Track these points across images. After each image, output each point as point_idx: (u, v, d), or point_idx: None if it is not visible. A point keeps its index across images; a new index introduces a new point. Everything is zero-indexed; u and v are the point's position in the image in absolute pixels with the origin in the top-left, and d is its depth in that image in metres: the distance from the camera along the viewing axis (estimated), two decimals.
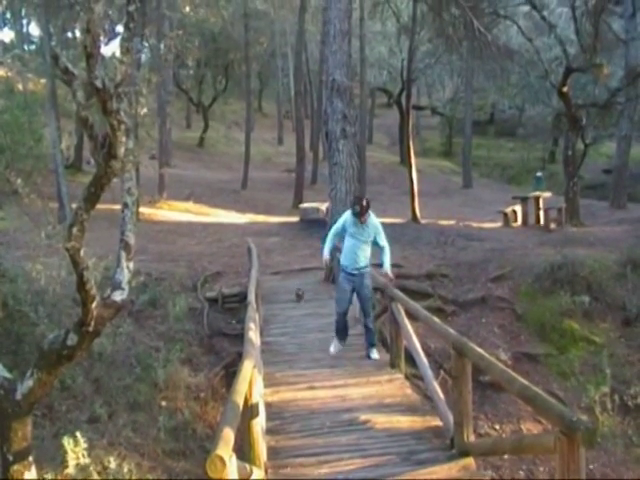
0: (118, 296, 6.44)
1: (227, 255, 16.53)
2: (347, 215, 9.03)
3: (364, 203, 8.77)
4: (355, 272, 9.13)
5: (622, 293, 13.75)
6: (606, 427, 10.68)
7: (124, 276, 6.53)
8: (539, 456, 9.68)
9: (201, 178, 30.76)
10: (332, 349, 9.41)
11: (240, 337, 9.87)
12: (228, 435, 4.06)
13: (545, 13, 23.35)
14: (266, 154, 38.40)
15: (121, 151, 5.83)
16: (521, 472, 9.53)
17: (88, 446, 7.18)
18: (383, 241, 9.19)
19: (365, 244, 9.06)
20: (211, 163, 36.06)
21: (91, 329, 6.14)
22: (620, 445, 10.67)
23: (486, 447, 6.14)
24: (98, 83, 5.48)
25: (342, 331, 9.48)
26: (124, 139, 5.87)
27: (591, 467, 9.61)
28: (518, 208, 22.47)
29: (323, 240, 14.80)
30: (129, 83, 6.58)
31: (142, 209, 20.38)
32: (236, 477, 4.12)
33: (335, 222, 9.47)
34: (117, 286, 6.49)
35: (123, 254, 6.62)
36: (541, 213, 21.53)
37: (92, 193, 5.90)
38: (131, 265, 6.67)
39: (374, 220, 9.06)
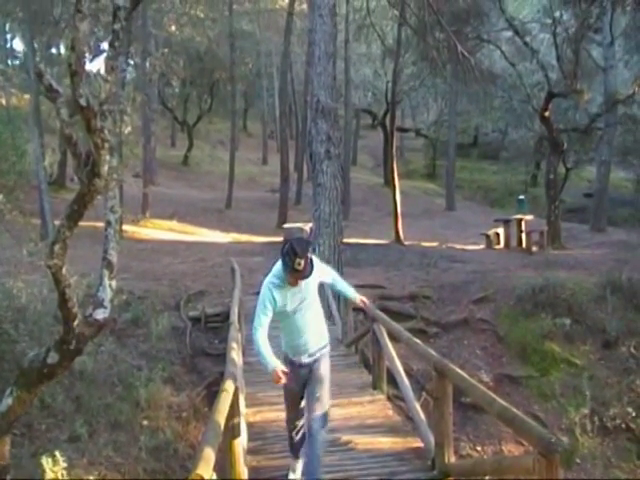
0: (100, 314, 6.43)
1: (210, 274, 16.50)
2: (268, 285, 5.53)
3: (306, 256, 5.27)
4: (308, 361, 5.78)
5: (602, 316, 13.88)
6: (586, 448, 10.75)
7: (106, 294, 6.52)
8: (520, 478, 9.69)
9: (185, 197, 30.74)
10: (292, 476, 6.04)
11: (222, 357, 9.85)
12: (209, 454, 4.04)
13: (527, 39, 23.71)
14: (250, 174, 38.45)
15: (104, 169, 5.85)
16: None
17: (68, 465, 7.13)
18: (332, 275, 6.21)
19: (311, 311, 5.68)
20: (195, 182, 36.05)
21: (72, 347, 6.13)
22: (599, 466, 10.74)
23: (466, 468, 6.14)
24: (82, 101, 5.50)
25: (299, 444, 6.02)
26: (108, 157, 5.89)
27: None
28: (501, 230, 22.62)
29: None
30: (114, 101, 6.61)
31: (125, 227, 20.31)
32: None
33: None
34: (99, 304, 6.48)
35: (106, 272, 6.61)
36: (523, 236, 21.67)
37: (75, 211, 5.91)
38: (114, 283, 6.67)
39: (316, 265, 5.56)
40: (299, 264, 5.17)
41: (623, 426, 11.74)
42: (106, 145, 5.81)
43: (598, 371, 12.82)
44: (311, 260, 5.37)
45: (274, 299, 5.46)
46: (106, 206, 6.96)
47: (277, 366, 5.44)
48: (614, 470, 10.90)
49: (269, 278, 5.52)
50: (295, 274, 5.26)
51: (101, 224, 6.58)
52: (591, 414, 11.34)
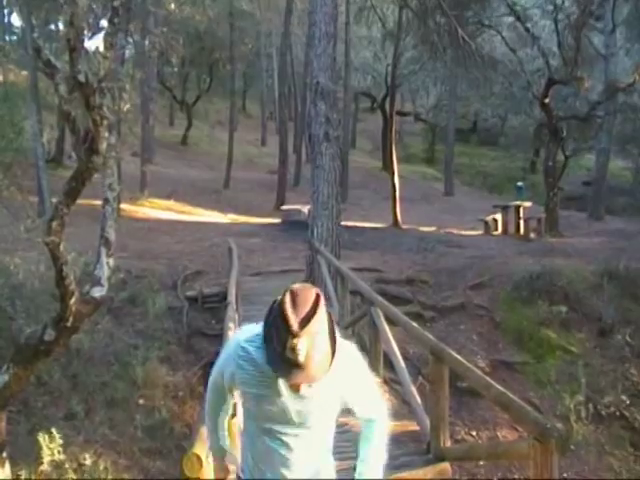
0: (97, 292, 6.42)
1: (208, 254, 16.50)
2: (232, 355, 2.82)
3: (312, 333, 2.48)
4: None
5: (598, 304, 13.92)
6: (580, 435, 10.79)
7: (104, 272, 6.51)
8: (514, 463, 9.76)
9: (183, 176, 30.65)
10: None
11: (219, 337, 9.86)
12: (206, 434, 4.04)
13: (529, 25, 23.55)
14: (249, 155, 38.32)
15: (103, 147, 5.81)
16: (496, 479, 9.59)
17: (64, 443, 7.14)
18: (373, 410, 3.10)
19: (310, 439, 2.88)
20: (194, 162, 35.93)
21: (69, 325, 6.12)
22: (593, 453, 10.79)
23: (462, 452, 6.18)
24: (81, 77, 5.45)
25: None
26: (106, 135, 5.85)
27: (565, 475, 9.68)
28: (499, 217, 22.64)
29: (304, 242, 14.83)
30: (112, 78, 6.56)
31: (123, 205, 20.26)
32: (212, 476, 4.10)
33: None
34: (97, 282, 6.47)
35: (103, 250, 6.60)
36: (521, 222, 21.68)
37: (73, 188, 5.87)
38: (111, 261, 6.65)
39: (344, 360, 2.72)
40: (295, 350, 2.47)
41: (617, 414, 11.79)
42: (105, 122, 5.76)
43: (593, 359, 12.87)
44: (332, 341, 2.59)
45: (234, 381, 2.84)
46: (104, 184, 6.94)
47: (229, 464, 3.31)
48: (608, 457, 10.96)
49: (239, 341, 2.84)
50: (288, 371, 2.51)
51: (98, 202, 6.56)
52: (586, 401, 11.38)
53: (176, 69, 39.16)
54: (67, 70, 5.69)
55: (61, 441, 7.08)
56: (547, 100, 22.11)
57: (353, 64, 36.59)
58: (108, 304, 11.29)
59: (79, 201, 5.92)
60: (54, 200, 6.11)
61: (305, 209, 20.05)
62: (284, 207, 23.73)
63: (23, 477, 6.72)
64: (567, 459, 10.06)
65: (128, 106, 6.98)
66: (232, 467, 3.24)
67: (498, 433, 10.57)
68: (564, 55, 22.32)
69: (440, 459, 5.75)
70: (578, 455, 10.63)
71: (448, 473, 5.63)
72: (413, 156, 45.03)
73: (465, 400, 10.77)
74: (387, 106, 30.66)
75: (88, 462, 7.33)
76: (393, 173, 23.11)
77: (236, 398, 5.71)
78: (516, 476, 9.75)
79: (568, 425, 10.68)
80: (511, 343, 13.01)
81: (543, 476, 4.03)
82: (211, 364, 9.44)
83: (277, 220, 22.92)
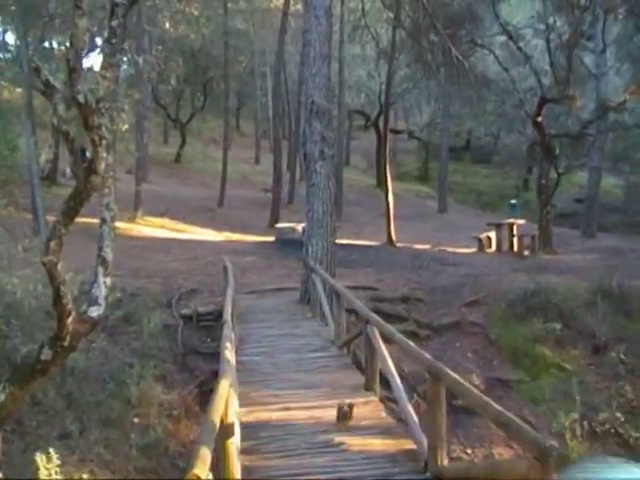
0: (94, 312, 6.40)
1: (202, 273, 16.48)
2: None
3: None
4: None
5: (592, 321, 13.98)
6: (575, 453, 10.78)
7: (101, 291, 6.49)
8: None
9: (177, 194, 30.67)
10: None
11: (214, 355, 9.85)
12: (205, 454, 4.05)
13: (521, 44, 23.81)
14: (243, 173, 38.39)
15: (102, 167, 5.83)
16: None
17: (60, 463, 7.10)
18: None
19: None
20: (187, 180, 35.97)
21: (66, 344, 6.10)
22: None
23: (460, 471, 6.16)
24: (80, 98, 5.48)
25: None
26: (105, 155, 5.87)
27: None
28: (492, 234, 22.71)
29: (299, 260, 14.83)
30: (111, 99, 6.59)
31: (118, 224, 20.17)
32: None
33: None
34: (94, 302, 6.45)
35: (100, 270, 6.59)
36: (515, 240, 21.77)
37: (71, 207, 5.88)
38: (108, 280, 6.65)
39: None
40: None
41: (612, 431, 11.82)
42: (103, 142, 5.79)
43: (588, 376, 12.90)
44: None
45: None
46: (102, 203, 6.94)
47: None
48: None
49: None
50: None
51: (93, 220, 6.55)
52: (581, 418, 11.40)
53: (170, 87, 39.28)
54: (65, 90, 5.72)
55: (58, 462, 7.04)
56: (540, 118, 22.30)
57: (347, 82, 36.83)
58: (103, 323, 11.28)
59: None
60: (49, 218, 6.13)
61: (299, 227, 20.09)
62: (278, 225, 23.76)
63: None
64: None
65: (127, 126, 7.02)
66: None
67: (494, 451, 10.58)
68: (556, 74, 22.56)
69: (438, 478, 5.75)
70: None
71: None
72: (407, 174, 45.16)
73: (460, 418, 10.78)
74: (381, 124, 30.84)
75: None
76: (387, 191, 23.18)
77: (234, 416, 5.72)
78: None
79: (563, 443, 10.69)
80: (506, 360, 13.03)
81: None
82: (206, 383, 9.43)
83: (271, 238, 22.92)
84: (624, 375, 13.13)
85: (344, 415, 7.29)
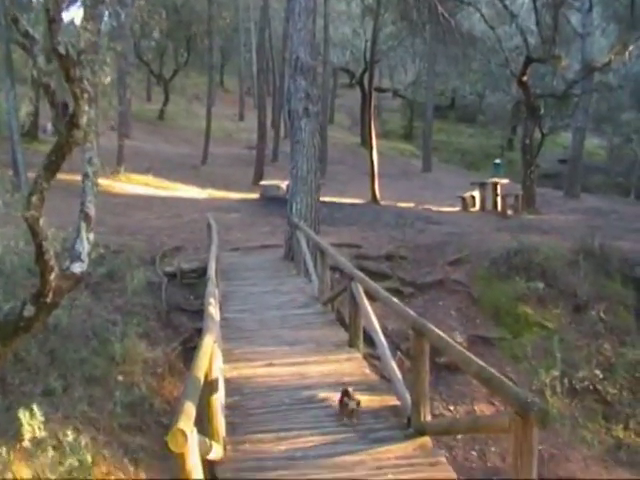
0: (77, 268, 6.36)
1: (186, 230, 16.41)
2: None
3: None
4: None
5: (574, 280, 14.09)
6: (555, 409, 10.96)
7: (84, 247, 6.45)
8: (491, 437, 9.91)
9: (161, 151, 30.38)
10: None
11: (198, 313, 9.87)
12: (190, 409, 4.05)
13: (507, 2, 23.55)
14: (227, 130, 38.04)
15: (83, 120, 5.73)
16: (473, 452, 9.73)
17: (43, 419, 7.10)
18: None
19: None
20: (171, 137, 35.62)
21: (49, 301, 6.06)
22: (567, 426, 10.99)
23: (443, 426, 6.25)
24: (61, 49, 5.36)
25: None
26: (87, 108, 5.77)
27: (540, 448, 9.83)
28: (476, 193, 22.73)
29: (283, 217, 14.80)
30: (93, 51, 6.45)
31: (100, 180, 19.98)
32: (197, 452, 4.12)
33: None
34: (76, 258, 6.40)
35: (83, 225, 6.54)
36: (499, 199, 21.80)
37: (52, 162, 5.80)
38: (91, 237, 6.59)
39: None
40: None
41: (591, 388, 12.01)
42: (85, 96, 5.68)
43: (568, 334, 13.05)
44: None
45: None
46: (84, 158, 6.85)
47: None
48: (581, 430, 11.17)
49: None
50: None
51: (75, 177, 6.46)
52: (561, 376, 11.56)
53: (153, 43, 38.62)
54: (45, 42, 5.59)
55: (42, 418, 7.04)
56: (525, 78, 22.17)
57: (332, 40, 36.39)
58: (86, 280, 11.20)
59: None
60: (30, 175, 6.03)
61: (284, 185, 20.00)
62: (263, 182, 23.62)
63: (4, 454, 6.68)
64: (542, 432, 10.23)
65: (109, 79, 6.88)
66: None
67: (476, 407, 10.71)
68: (542, 33, 22.39)
69: (421, 433, 5.81)
70: (552, 428, 10.80)
71: (429, 447, 5.69)
72: (391, 132, 44.97)
73: (443, 375, 10.89)
74: (366, 82, 30.58)
75: (69, 439, 7.28)
76: (372, 149, 23.08)
77: (218, 372, 5.73)
78: (492, 449, 9.91)
79: (544, 399, 10.86)
80: (488, 319, 13.14)
81: (523, 449, 4.10)
82: (190, 340, 9.44)
83: (255, 195, 22.82)
84: (603, 333, 13.29)
85: (350, 412, 6.26)
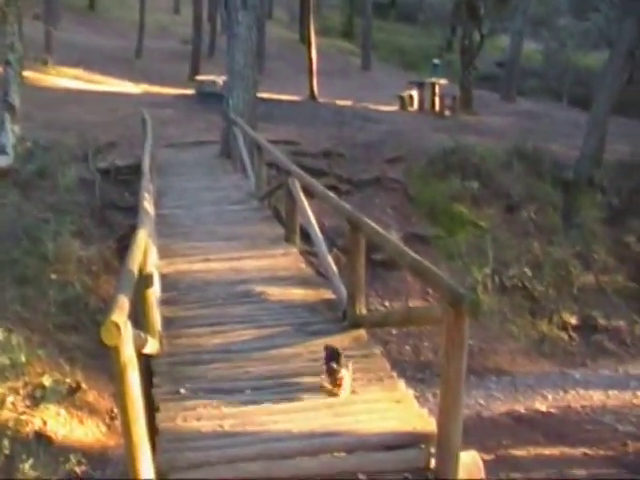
0: (3, 161, 6.15)
1: (121, 126, 15.87)
2: None
3: None
4: None
5: (507, 181, 14.41)
6: (485, 305, 11.36)
7: (8, 140, 6.22)
8: (424, 333, 10.25)
9: (92, 44, 29.04)
10: None
11: (133, 210, 9.68)
12: (123, 302, 3.99)
13: None
14: (162, 23, 36.51)
15: None
16: (407, 347, 10.07)
17: None
18: None
19: None
20: (103, 28, 34.00)
21: None
22: (496, 321, 11.45)
23: (377, 319, 6.37)
24: None
25: None
26: None
27: (470, 342, 10.22)
28: (415, 93, 22.60)
29: (219, 114, 14.48)
30: None
31: (27, 73, 19.10)
32: (131, 344, 4.08)
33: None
34: (1, 150, 6.16)
35: (7, 116, 6.28)
36: (436, 99, 21.76)
37: None
38: (17, 129, 6.35)
39: None
40: None
41: (520, 285, 12.46)
42: None
43: (501, 233, 13.41)
44: None
45: None
46: (4, 43, 6.48)
47: None
48: (509, 324, 11.64)
49: None
50: None
51: None
52: (492, 273, 11.94)
53: None
54: None
55: None
56: None
57: None
58: (14, 177, 10.78)
59: None
60: None
61: (220, 80, 19.46)
62: (198, 78, 22.92)
63: None
64: (472, 328, 10.61)
65: None
66: None
67: (410, 303, 10.98)
68: None
69: (356, 326, 5.90)
70: (482, 323, 11.23)
71: (364, 339, 5.80)
72: (331, 29, 43.90)
73: (379, 272, 11.09)
74: None
75: (0, 338, 7.18)
76: (310, 46, 22.58)
77: (153, 267, 5.67)
78: (425, 343, 10.25)
79: (475, 296, 11.22)
80: (424, 217, 13.35)
81: (455, 339, 4.20)
82: (125, 237, 9.31)
83: (191, 91, 22.19)
84: (533, 233, 13.72)
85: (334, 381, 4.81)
